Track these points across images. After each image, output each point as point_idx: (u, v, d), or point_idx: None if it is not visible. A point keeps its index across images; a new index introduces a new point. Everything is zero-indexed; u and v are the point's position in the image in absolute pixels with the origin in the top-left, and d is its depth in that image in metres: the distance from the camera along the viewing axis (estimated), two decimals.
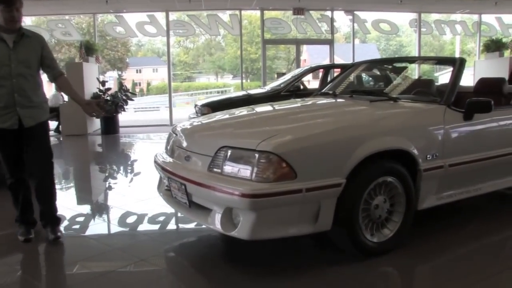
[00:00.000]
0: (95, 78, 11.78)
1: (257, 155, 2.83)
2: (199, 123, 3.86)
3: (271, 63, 24.18)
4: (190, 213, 3.30)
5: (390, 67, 5.42)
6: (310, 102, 4.32)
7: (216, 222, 2.99)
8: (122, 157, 8.74)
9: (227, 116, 4.00)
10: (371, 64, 5.17)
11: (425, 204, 3.47)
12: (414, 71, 12.68)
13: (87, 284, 3.00)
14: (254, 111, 4.06)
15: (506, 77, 6.84)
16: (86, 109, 3.87)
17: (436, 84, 4.45)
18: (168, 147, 3.79)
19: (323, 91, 4.75)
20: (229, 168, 2.96)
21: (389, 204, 3.25)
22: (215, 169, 3.05)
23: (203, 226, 3.70)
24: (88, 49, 11.79)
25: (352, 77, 4.94)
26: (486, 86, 4.70)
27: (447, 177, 3.52)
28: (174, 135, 3.77)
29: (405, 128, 3.37)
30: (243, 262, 3.29)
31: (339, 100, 4.27)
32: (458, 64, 3.90)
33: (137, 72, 43.56)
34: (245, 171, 2.86)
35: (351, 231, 3.05)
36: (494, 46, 13.11)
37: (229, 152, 3.00)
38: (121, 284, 3.00)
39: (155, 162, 3.79)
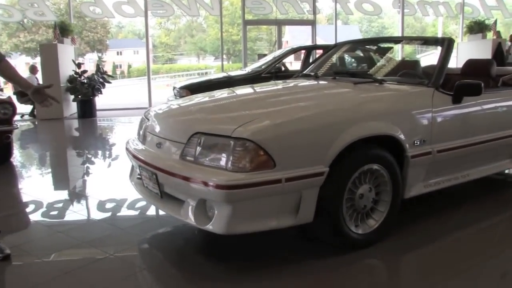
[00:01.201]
0: (71, 60, 11.41)
1: (232, 142, 2.60)
2: (173, 107, 3.62)
3: (252, 44, 23.82)
4: (162, 204, 3.07)
5: (374, 47, 5.19)
6: (291, 85, 4.08)
7: (189, 215, 2.76)
8: (98, 142, 8.42)
9: (203, 99, 3.76)
10: (354, 45, 4.94)
11: (412, 192, 3.30)
12: (397, 53, 12.50)
13: (50, 283, 2.75)
14: (232, 94, 3.82)
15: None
16: (36, 98, 3.15)
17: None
18: (140, 133, 3.54)
19: (304, 72, 4.52)
20: (203, 156, 2.73)
21: (374, 193, 3.06)
22: (187, 157, 2.82)
23: None
24: (63, 30, 11.39)
25: (335, 58, 4.71)
26: (474, 68, 4.52)
27: (435, 163, 3.35)
28: (146, 120, 3.52)
29: (391, 112, 3.17)
30: (221, 256, 3.07)
31: (321, 82, 4.05)
32: (446, 45, 3.70)
33: (117, 54, 43.00)
34: (220, 159, 2.64)
35: (335, 223, 2.85)
36: (477, 28, 13.04)
37: (203, 138, 2.77)
38: (90, 282, 2.76)
39: (127, 149, 3.55)
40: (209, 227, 2.65)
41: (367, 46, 6.14)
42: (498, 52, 11.93)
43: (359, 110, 3.06)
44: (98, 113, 11.36)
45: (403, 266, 3.06)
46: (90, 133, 9.49)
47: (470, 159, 3.71)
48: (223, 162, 2.62)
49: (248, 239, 3.16)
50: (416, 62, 4.39)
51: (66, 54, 11.42)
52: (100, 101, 11.70)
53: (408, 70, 3.89)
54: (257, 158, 2.55)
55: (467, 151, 3.56)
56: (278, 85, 4.24)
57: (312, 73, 4.33)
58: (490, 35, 13.06)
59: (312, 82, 4.08)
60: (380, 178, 3.06)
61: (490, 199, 4.17)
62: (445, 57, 3.63)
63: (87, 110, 11.02)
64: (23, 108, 11.60)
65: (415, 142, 3.18)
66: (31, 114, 11.28)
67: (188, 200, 2.80)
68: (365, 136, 2.89)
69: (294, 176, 2.61)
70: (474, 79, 3.48)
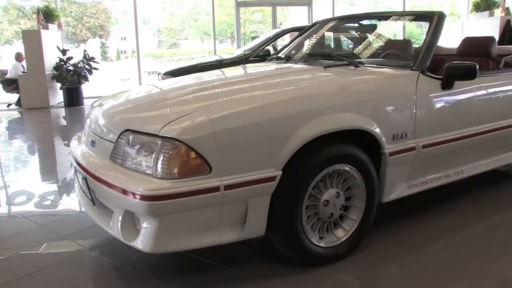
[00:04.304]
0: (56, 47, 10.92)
1: (159, 143, 2.13)
2: (115, 97, 3.11)
3: (255, 27, 23.17)
4: (94, 213, 2.60)
5: (356, 25, 4.64)
6: (251, 70, 3.55)
7: (117, 228, 2.29)
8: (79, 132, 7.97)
9: (153, 89, 3.24)
10: (337, 23, 4.38)
11: (392, 195, 2.82)
12: (398, 32, 11.88)
13: None
14: (185, 83, 3.25)
15: (497, 38, 6.13)
16: None
17: (416, 46, 3.75)
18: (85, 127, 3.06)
19: (278, 55, 4.00)
20: (130, 159, 2.26)
21: (344, 198, 2.57)
22: (117, 160, 2.35)
23: None
24: (47, 16, 10.89)
25: (312, 39, 4.17)
26: (472, 47, 3.97)
27: (421, 160, 2.86)
28: (91, 112, 3.04)
29: (365, 100, 2.64)
30: (172, 274, 2.60)
31: (285, 66, 3.53)
32: (436, 20, 3.18)
33: (122, 39, 42.54)
34: (147, 163, 2.17)
35: (291, 236, 2.37)
36: (484, 5, 12.33)
37: (131, 137, 2.29)
38: None
39: (71, 146, 3.08)
40: (135, 244, 2.19)
41: (351, 24, 5.57)
42: (507, 30, 11.29)
43: (323, 99, 2.52)
44: (85, 101, 10.89)
45: (379, 283, 2.56)
46: (75, 122, 9.04)
47: (465, 153, 3.21)
48: (150, 167, 2.14)
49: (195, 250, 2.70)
50: (406, 42, 3.87)
51: (51, 40, 10.92)
52: (90, 88, 11.21)
53: (393, 51, 3.39)
54: (187, 162, 2.07)
55: (460, 144, 3.06)
56: (238, 71, 3.71)
57: (283, 56, 3.81)
58: (498, 12, 12.36)
59: (276, 66, 3.56)
60: (351, 181, 2.57)
61: (485, 196, 3.68)
62: (433, 35, 3.10)
63: (74, 98, 10.57)
64: (9, 97, 11.21)
65: (395, 136, 2.69)
66: (18, 103, 10.85)
67: (116, 210, 2.34)
68: (328, 132, 2.38)
69: (236, 182, 2.14)
70: (471, 60, 2.97)
